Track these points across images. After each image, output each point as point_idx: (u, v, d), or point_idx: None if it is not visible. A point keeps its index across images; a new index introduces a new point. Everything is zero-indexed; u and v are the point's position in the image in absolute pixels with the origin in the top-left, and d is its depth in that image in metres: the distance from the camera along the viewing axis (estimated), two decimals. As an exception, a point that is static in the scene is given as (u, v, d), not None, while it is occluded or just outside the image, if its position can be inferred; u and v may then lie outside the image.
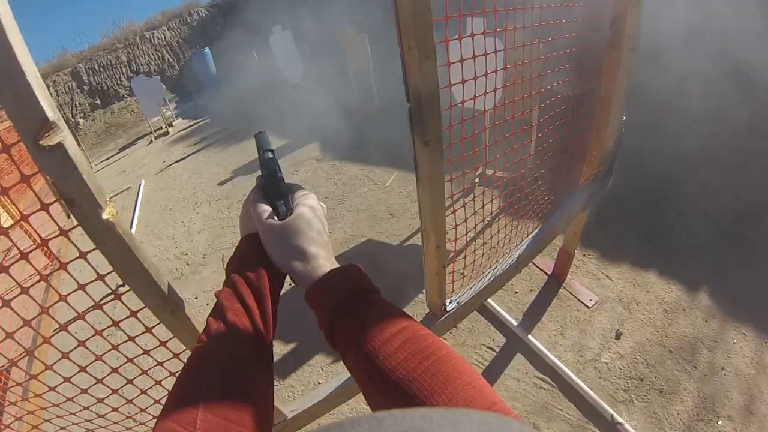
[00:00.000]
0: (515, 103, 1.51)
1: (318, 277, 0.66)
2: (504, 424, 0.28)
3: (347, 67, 7.41)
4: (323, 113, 7.38)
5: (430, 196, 1.16)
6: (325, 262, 0.68)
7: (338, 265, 0.68)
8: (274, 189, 0.75)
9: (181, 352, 1.09)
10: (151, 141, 10.04)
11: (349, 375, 1.49)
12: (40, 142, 0.63)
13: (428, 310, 1.58)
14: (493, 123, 1.49)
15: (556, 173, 2.08)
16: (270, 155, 0.81)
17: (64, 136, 0.65)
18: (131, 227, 5.73)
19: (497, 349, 2.80)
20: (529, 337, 2.78)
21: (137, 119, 12.83)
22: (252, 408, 0.54)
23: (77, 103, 13.52)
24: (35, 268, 0.90)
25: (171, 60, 14.88)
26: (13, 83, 0.59)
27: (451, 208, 1.37)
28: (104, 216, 0.73)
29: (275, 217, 0.71)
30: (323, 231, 0.73)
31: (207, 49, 12.85)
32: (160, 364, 1.20)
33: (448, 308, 1.54)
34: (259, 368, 0.61)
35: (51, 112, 0.62)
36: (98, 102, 13.84)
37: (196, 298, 3.97)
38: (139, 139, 10.96)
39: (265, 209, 0.72)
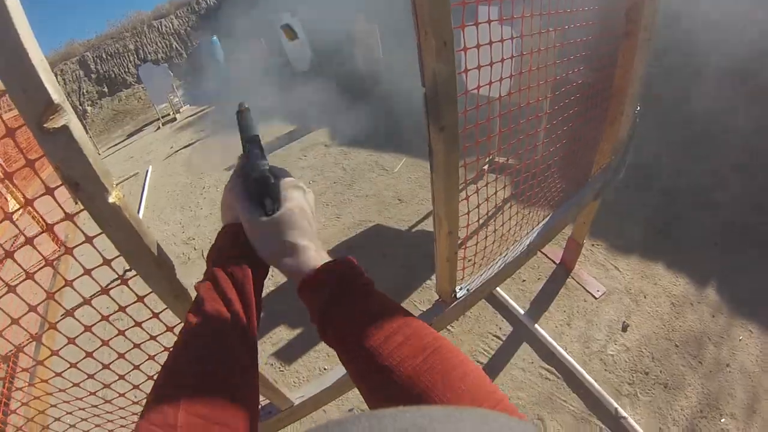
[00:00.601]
0: (528, 90, 1.48)
1: (309, 272, 0.63)
2: (504, 424, 0.28)
3: (356, 54, 7.39)
4: (332, 100, 7.37)
5: (444, 182, 1.14)
6: (315, 255, 0.66)
7: (329, 258, 0.66)
8: (258, 179, 0.70)
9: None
10: (159, 127, 10.09)
11: None
12: (45, 125, 0.61)
13: (438, 297, 1.57)
14: (507, 109, 1.46)
15: (569, 162, 2.05)
16: (253, 137, 0.76)
17: (69, 118, 0.63)
18: (138, 212, 5.71)
19: (503, 338, 2.79)
20: (536, 326, 2.76)
21: (144, 106, 12.88)
22: (237, 405, 0.52)
23: (85, 90, 13.58)
24: (41, 254, 0.88)
25: (179, 48, 14.90)
26: (18, 65, 0.57)
27: (464, 194, 1.35)
28: (110, 199, 0.71)
29: (262, 210, 0.68)
30: (312, 221, 0.70)
31: (215, 37, 12.80)
32: (167, 349, 1.18)
33: (458, 295, 1.53)
34: (243, 362, 0.59)
35: (56, 95, 0.60)
36: (106, 90, 13.90)
37: (202, 283, 3.97)
38: (146, 125, 11.01)
39: (251, 204, 0.69)
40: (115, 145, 10.10)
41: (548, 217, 1.91)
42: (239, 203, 0.69)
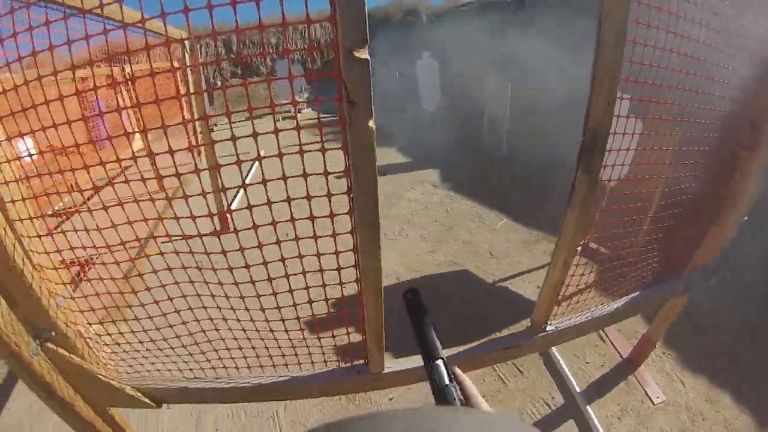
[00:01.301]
0: (638, 182, 1.74)
1: None
2: (505, 423, 0.31)
3: (484, 108, 7.85)
4: (450, 145, 7.86)
5: (577, 217, 1.42)
6: None
7: None
8: None
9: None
10: (279, 119, 10.99)
11: (459, 351, 1.74)
12: (354, 53, 0.91)
13: (530, 324, 1.82)
14: (611, 202, 1.74)
15: (661, 257, 2.20)
16: (442, 367, 0.75)
17: (368, 55, 0.92)
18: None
19: (553, 408, 2.94)
20: (588, 407, 2.90)
21: (266, 97, 13.95)
22: None
23: (220, 67, 14.97)
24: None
25: (315, 55, 16.12)
26: (356, 9, 0.87)
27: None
28: (370, 123, 1.00)
29: None
30: None
31: (354, 55, 13.71)
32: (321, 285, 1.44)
33: (548, 328, 1.77)
34: None
35: (366, 35, 0.90)
36: (239, 72, 15.25)
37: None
38: (265, 114, 11.89)
39: None
40: (234, 122, 11.03)
41: (638, 293, 2.10)
42: None
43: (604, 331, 3.54)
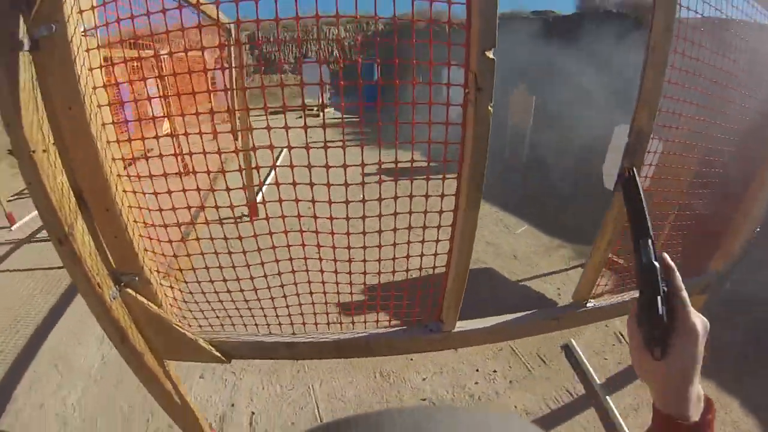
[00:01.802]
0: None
1: (676, 417, 0.66)
2: (502, 422, 0.33)
3: (508, 118, 8.18)
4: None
5: (620, 204, 1.65)
6: (693, 405, 0.67)
7: (701, 406, 0.68)
8: (652, 319, 0.71)
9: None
10: (301, 116, 11.26)
11: (513, 317, 1.95)
12: (486, 53, 1.18)
13: (572, 300, 2.05)
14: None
15: (682, 256, 2.38)
16: (651, 256, 0.75)
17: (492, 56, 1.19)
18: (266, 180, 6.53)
19: (575, 396, 3.18)
20: (607, 398, 3.13)
21: (290, 94, 14.19)
22: None
23: (245, 62, 15.30)
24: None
25: (338, 56, 16.45)
26: (486, 15, 1.14)
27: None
28: (490, 106, 1.27)
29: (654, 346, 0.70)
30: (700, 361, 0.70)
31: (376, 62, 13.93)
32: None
33: (588, 305, 2.02)
34: None
35: (497, 40, 1.17)
36: (262, 68, 15.58)
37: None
38: (288, 111, 12.21)
39: (641, 342, 0.72)
40: (258, 116, 11.30)
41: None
42: (631, 341, 0.74)
43: (621, 333, 3.80)
